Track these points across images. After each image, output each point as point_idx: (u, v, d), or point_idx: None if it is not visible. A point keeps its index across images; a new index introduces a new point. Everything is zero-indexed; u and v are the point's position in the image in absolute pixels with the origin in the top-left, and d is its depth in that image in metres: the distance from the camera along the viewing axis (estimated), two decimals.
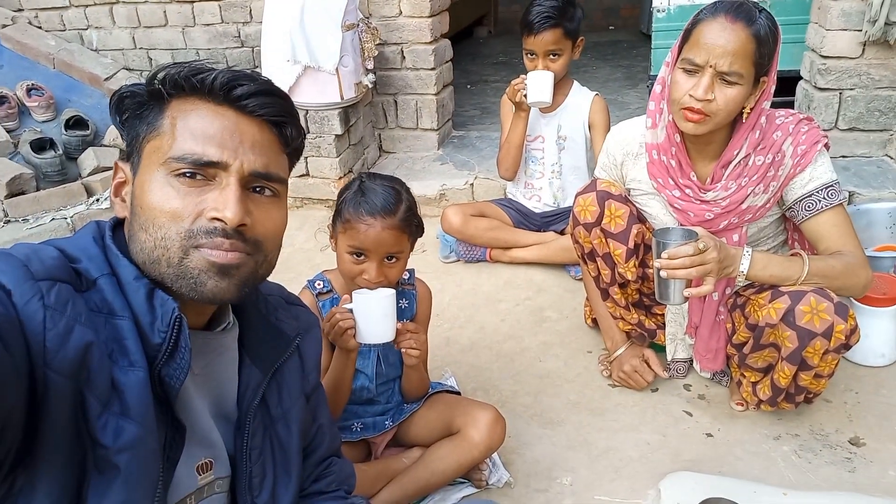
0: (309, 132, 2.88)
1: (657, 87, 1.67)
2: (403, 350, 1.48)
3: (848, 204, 2.49)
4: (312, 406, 1.12)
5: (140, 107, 0.87)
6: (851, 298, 1.84)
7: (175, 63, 0.87)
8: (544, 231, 2.58)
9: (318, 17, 2.72)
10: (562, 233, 2.54)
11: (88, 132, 3.10)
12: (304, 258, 2.69)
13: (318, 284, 1.61)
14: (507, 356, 2.09)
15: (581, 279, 2.40)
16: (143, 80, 0.89)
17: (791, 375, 1.54)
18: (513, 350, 2.12)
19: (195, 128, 0.84)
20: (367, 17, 3.04)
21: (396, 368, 1.64)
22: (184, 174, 0.82)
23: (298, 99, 2.79)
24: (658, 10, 3.45)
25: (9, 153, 2.95)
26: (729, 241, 1.64)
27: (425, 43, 3.12)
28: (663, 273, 1.45)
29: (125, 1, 3.49)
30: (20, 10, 3.73)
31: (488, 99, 4.25)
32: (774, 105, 1.61)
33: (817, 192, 1.58)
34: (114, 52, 3.63)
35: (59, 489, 0.73)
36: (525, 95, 2.34)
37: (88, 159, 3.01)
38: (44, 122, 3.19)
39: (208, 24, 3.42)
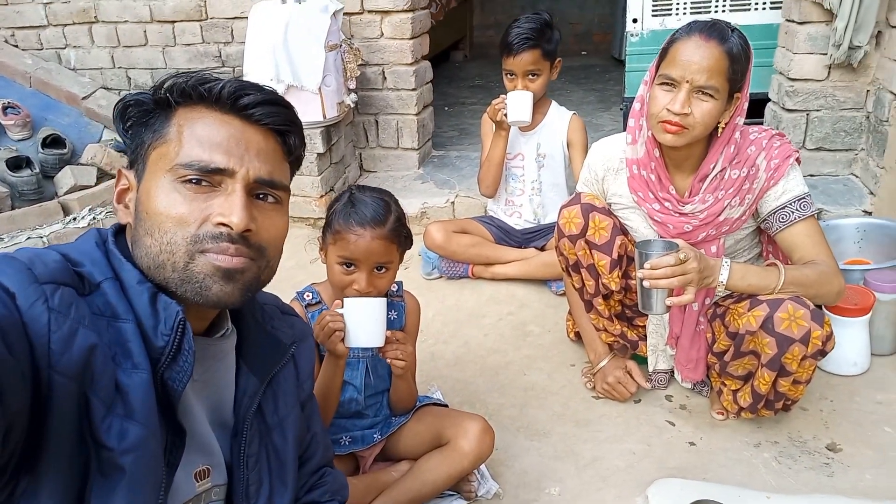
0: None
1: (636, 105, 1.73)
2: (390, 360, 1.50)
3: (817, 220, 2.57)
4: (307, 415, 1.13)
5: (145, 115, 0.88)
6: (824, 308, 1.90)
7: (180, 73, 0.88)
8: (525, 247, 2.62)
9: (302, 37, 2.76)
10: (542, 249, 2.58)
11: (66, 151, 3.07)
12: (285, 276, 2.67)
13: (307, 296, 1.62)
14: (492, 370, 2.11)
15: (562, 294, 2.45)
16: (145, 90, 0.90)
17: (771, 382, 1.59)
18: (497, 364, 2.14)
19: (202, 135, 0.85)
20: (350, 38, 3.08)
21: (385, 380, 1.65)
22: (190, 180, 0.84)
23: None
24: (631, 35, 3.55)
25: None
26: (707, 253, 1.69)
27: (406, 64, 3.17)
28: (646, 283, 1.49)
29: (105, 20, 3.50)
30: None
31: (466, 120, 4.32)
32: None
33: (790, 204, 1.64)
34: (92, 72, 3.62)
35: (62, 493, 0.73)
36: (506, 115, 2.40)
37: (65, 178, 2.98)
38: (20, 140, 3.16)
39: (189, 44, 3.43)
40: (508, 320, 2.37)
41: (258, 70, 2.77)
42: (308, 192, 3.00)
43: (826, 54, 2.76)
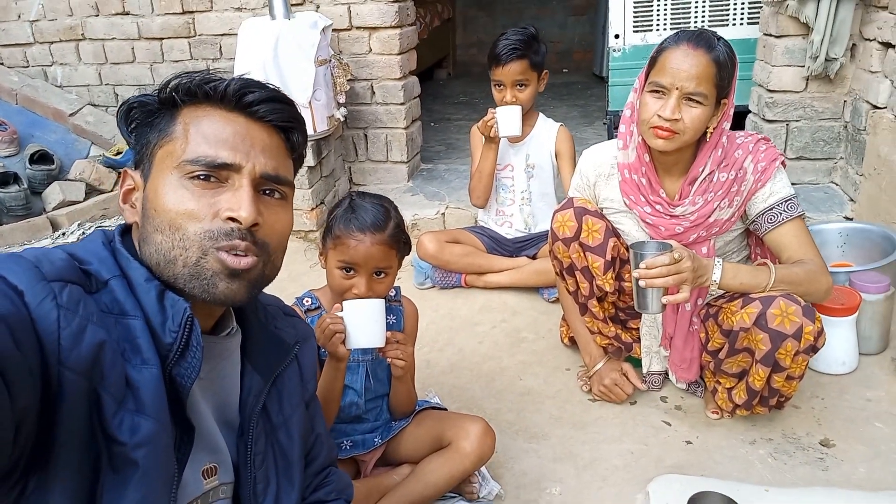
0: None
1: (626, 112, 1.78)
2: (390, 360, 1.51)
3: None
4: (310, 415, 1.14)
5: (150, 115, 0.90)
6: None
7: (184, 73, 0.90)
8: (516, 256, 2.65)
9: (292, 52, 2.79)
10: (533, 257, 2.61)
11: (53, 167, 3.06)
12: (276, 289, 2.68)
13: (307, 301, 1.63)
14: (488, 376, 2.12)
15: (554, 301, 2.48)
16: (149, 92, 0.91)
17: (765, 378, 1.62)
18: (492, 370, 2.15)
19: (208, 132, 0.86)
20: (339, 54, 3.12)
21: (385, 385, 1.66)
22: (197, 176, 0.85)
23: None
24: (614, 50, 3.63)
25: None
26: (698, 254, 1.73)
27: (395, 79, 3.21)
28: (642, 283, 1.52)
29: (92, 38, 3.51)
30: None
31: (452, 135, 4.37)
32: None
33: (778, 205, 1.68)
34: (79, 88, 3.62)
35: (73, 490, 0.73)
36: (496, 129, 2.44)
37: (53, 193, 2.97)
38: (6, 156, 3.14)
39: (177, 61, 3.45)
40: (502, 327, 2.39)
41: None
42: (299, 205, 3.01)
43: (803, 66, 2.85)
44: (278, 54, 2.78)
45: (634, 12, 3.54)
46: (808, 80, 2.88)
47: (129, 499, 0.76)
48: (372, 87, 3.24)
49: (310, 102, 2.83)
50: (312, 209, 3.01)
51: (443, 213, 3.05)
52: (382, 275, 1.53)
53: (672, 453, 1.73)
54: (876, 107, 2.61)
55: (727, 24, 3.42)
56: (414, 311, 1.73)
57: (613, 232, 1.84)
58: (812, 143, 2.98)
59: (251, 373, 0.99)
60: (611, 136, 3.75)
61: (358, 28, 3.17)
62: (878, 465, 1.64)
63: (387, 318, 1.58)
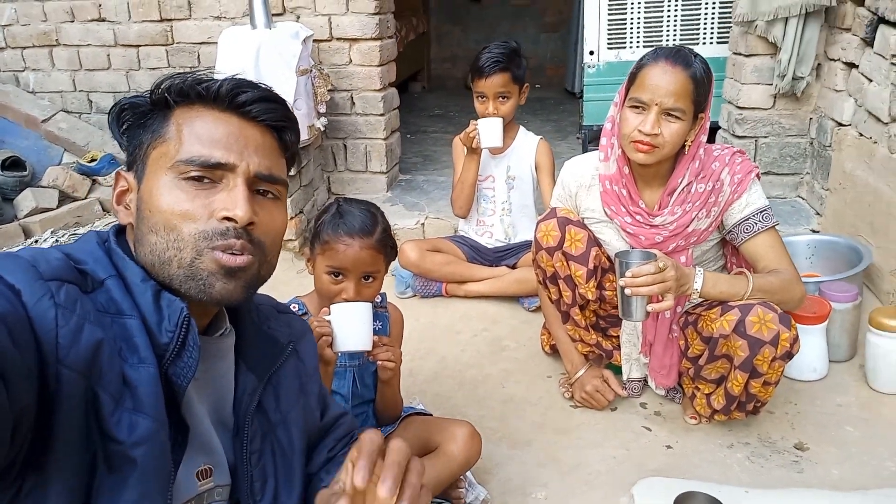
0: None
1: (607, 125, 1.83)
2: (379, 362, 1.52)
3: None
4: (321, 399, 1.15)
5: (142, 116, 0.89)
6: None
7: (177, 74, 0.90)
8: (496, 266, 2.68)
9: (273, 61, 2.79)
10: (513, 267, 2.65)
11: (26, 173, 3.01)
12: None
13: (293, 307, 1.63)
14: (471, 384, 2.14)
15: (534, 310, 2.52)
16: (141, 93, 0.91)
17: (743, 383, 1.67)
18: (475, 378, 2.17)
19: (201, 132, 0.87)
20: (319, 64, 3.13)
21: (371, 390, 1.67)
22: (192, 177, 0.85)
23: None
24: (588, 66, 3.71)
25: None
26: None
27: (374, 90, 3.24)
28: (627, 291, 1.56)
29: (66, 44, 3.46)
30: None
31: (429, 147, 4.40)
32: None
33: (753, 215, 1.75)
34: (52, 95, 3.57)
35: (70, 490, 0.72)
36: (478, 140, 2.48)
37: (26, 200, 2.92)
38: None
39: (154, 69, 3.43)
40: (483, 336, 2.41)
41: None
42: None
43: (771, 84, 2.96)
44: (259, 63, 2.78)
45: (609, 30, 3.63)
46: (775, 97, 2.99)
47: (126, 497, 0.76)
48: (352, 97, 3.26)
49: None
50: (291, 218, 3.00)
51: (422, 224, 3.07)
52: (371, 279, 1.54)
53: (653, 458, 1.77)
54: (841, 124, 2.72)
55: (698, 43, 3.53)
56: (400, 318, 1.75)
57: (595, 241, 1.88)
58: (780, 158, 3.08)
59: (245, 372, 0.99)
60: (585, 151, 3.82)
61: (338, 39, 3.19)
62: (850, 466, 1.70)
63: (373, 325, 1.60)
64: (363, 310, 1.44)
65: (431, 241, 2.74)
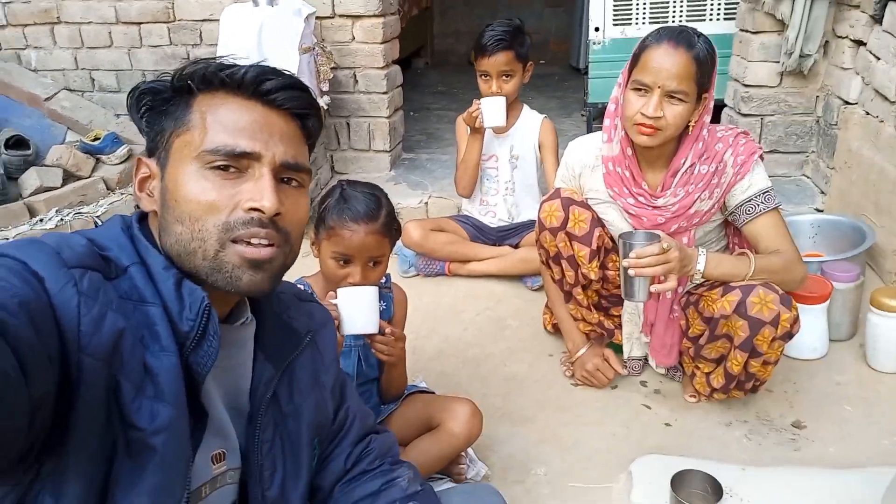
0: None
1: (611, 106, 1.82)
2: (375, 351, 1.54)
3: None
4: (339, 390, 1.15)
5: (164, 102, 0.88)
6: None
7: (200, 59, 0.89)
8: (500, 245, 2.69)
9: (276, 39, 2.78)
10: (516, 246, 2.66)
11: (30, 152, 3.01)
12: None
13: (305, 291, 1.65)
14: (473, 362, 2.16)
15: (537, 289, 2.53)
16: (160, 79, 0.90)
17: (743, 363, 1.68)
18: (478, 356, 2.19)
19: (227, 121, 0.86)
20: (322, 42, 3.11)
21: (375, 369, 1.69)
22: (218, 167, 0.84)
23: None
24: (594, 43, 3.67)
25: None
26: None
27: (378, 68, 3.22)
28: (631, 272, 1.57)
29: (68, 21, 3.44)
30: None
31: (433, 125, 4.38)
32: None
33: (755, 197, 1.75)
34: (54, 73, 3.55)
35: (88, 476, 0.74)
36: (481, 119, 2.47)
37: (31, 179, 2.92)
38: None
39: (156, 46, 3.41)
40: (486, 315, 2.43)
41: None
42: None
43: (778, 62, 2.93)
44: (262, 41, 2.76)
45: (614, 6, 3.59)
46: (782, 75, 2.96)
47: (146, 484, 0.77)
48: (355, 75, 3.25)
49: None
50: None
51: (426, 203, 3.07)
52: (376, 263, 1.55)
53: (652, 435, 1.80)
54: (847, 102, 2.70)
55: (704, 20, 3.48)
56: (404, 298, 1.77)
57: (599, 222, 1.89)
58: (785, 137, 3.06)
59: (263, 361, 0.99)
60: (590, 128, 3.81)
61: (341, 16, 3.16)
62: (848, 445, 1.72)
63: (379, 305, 1.61)
64: (369, 293, 1.45)
65: (435, 220, 2.75)
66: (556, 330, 2.18)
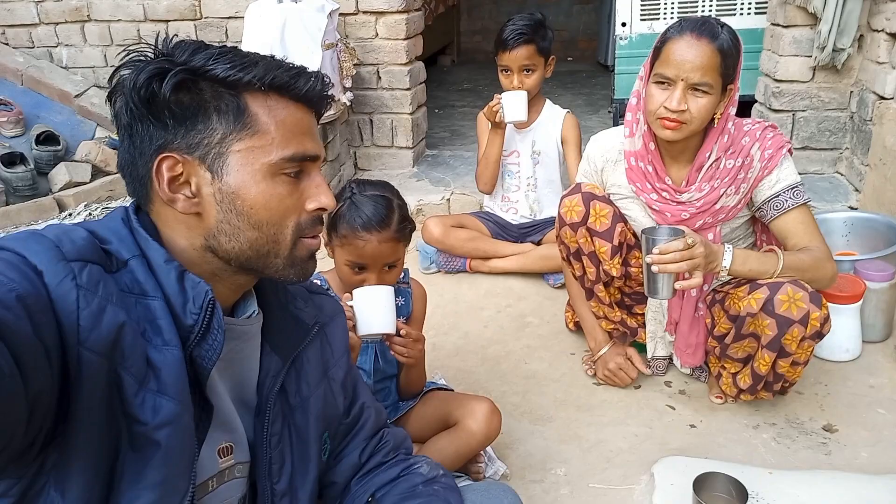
0: None
1: (633, 100, 1.78)
2: (392, 352, 1.52)
3: None
4: (351, 385, 1.15)
5: (210, 98, 0.83)
6: None
7: (225, 47, 0.85)
8: (521, 242, 2.66)
9: (299, 35, 2.78)
10: (538, 243, 2.62)
11: (60, 147, 3.06)
12: None
13: (316, 283, 1.64)
14: (493, 359, 2.14)
15: (559, 287, 2.49)
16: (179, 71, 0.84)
17: (770, 363, 1.63)
18: (498, 354, 2.17)
19: (293, 126, 0.87)
20: (345, 38, 3.11)
21: (393, 366, 1.67)
22: (289, 173, 0.87)
23: None
24: (620, 38, 3.62)
25: None
26: None
27: (401, 64, 3.21)
28: (655, 268, 1.52)
29: (98, 19, 3.50)
30: None
31: (457, 122, 4.37)
32: None
33: (784, 192, 1.69)
34: (84, 70, 3.62)
35: (92, 469, 0.73)
36: (503, 115, 2.44)
37: (60, 174, 2.97)
38: (12, 137, 3.14)
39: None
40: (507, 312, 2.40)
41: None
42: None
43: (811, 56, 2.85)
44: (285, 37, 2.77)
45: (642, 1, 3.53)
46: (814, 70, 2.88)
47: (150, 478, 0.76)
48: (378, 71, 3.24)
49: None
50: None
51: (448, 199, 3.06)
52: (391, 267, 1.54)
53: (676, 436, 1.75)
54: (882, 97, 2.62)
55: (734, 14, 3.42)
56: (422, 293, 1.74)
57: (621, 217, 1.85)
58: (818, 133, 2.98)
59: (270, 353, 0.99)
60: (616, 125, 3.75)
61: (364, 12, 3.16)
62: (880, 450, 1.66)
63: (396, 301, 1.59)
64: (385, 294, 1.44)
65: (456, 216, 2.73)
66: (578, 328, 2.14)
